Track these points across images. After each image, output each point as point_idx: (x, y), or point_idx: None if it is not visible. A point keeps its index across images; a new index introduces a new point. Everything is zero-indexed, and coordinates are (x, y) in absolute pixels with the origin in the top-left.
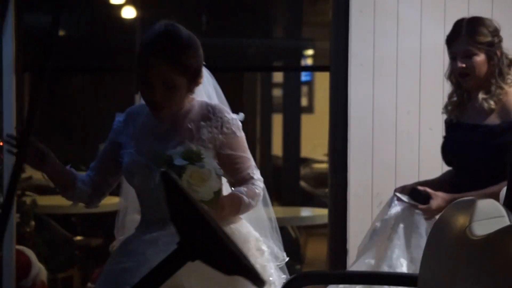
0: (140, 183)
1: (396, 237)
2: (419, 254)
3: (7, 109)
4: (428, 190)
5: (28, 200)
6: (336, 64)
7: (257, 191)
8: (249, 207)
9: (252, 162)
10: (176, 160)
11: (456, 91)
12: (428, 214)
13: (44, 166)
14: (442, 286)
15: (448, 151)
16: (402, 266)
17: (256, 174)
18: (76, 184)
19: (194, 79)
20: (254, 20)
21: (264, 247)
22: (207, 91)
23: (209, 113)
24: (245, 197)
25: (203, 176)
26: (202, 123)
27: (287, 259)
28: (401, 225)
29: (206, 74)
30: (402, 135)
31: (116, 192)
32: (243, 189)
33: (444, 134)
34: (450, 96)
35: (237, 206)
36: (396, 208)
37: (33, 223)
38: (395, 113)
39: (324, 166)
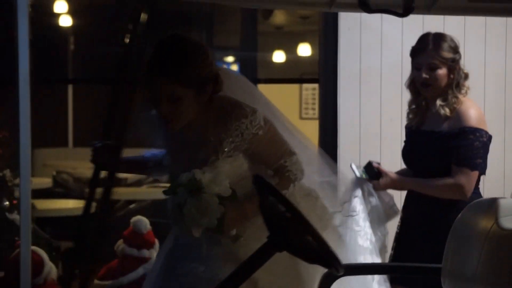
0: None
1: (360, 201)
2: (373, 217)
3: (24, 120)
4: (381, 168)
5: None
6: (326, 76)
7: (291, 177)
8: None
9: (283, 150)
10: (178, 194)
11: (415, 100)
12: (376, 188)
13: (115, 162)
14: (469, 275)
15: (408, 155)
16: (369, 229)
17: (289, 161)
18: (149, 166)
19: (203, 89)
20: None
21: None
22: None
23: (226, 123)
24: None
25: (203, 207)
26: (223, 135)
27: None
28: (359, 191)
29: (233, 77)
30: (386, 140)
31: (82, 196)
32: (274, 181)
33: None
34: (409, 104)
35: None
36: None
37: (31, 225)
38: (379, 121)
39: None
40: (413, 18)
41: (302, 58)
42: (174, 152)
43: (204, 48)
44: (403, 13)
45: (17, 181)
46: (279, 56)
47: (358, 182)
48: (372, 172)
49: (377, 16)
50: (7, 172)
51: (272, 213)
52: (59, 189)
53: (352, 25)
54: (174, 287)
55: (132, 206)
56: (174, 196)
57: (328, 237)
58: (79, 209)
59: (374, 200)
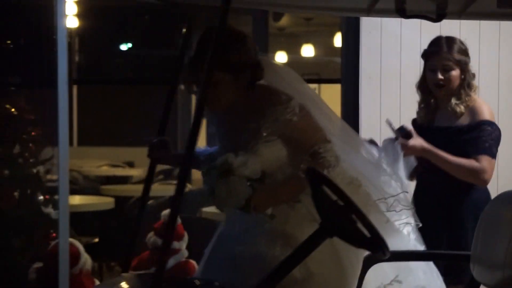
0: None
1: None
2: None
3: (62, 119)
4: (413, 131)
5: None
6: (348, 77)
7: (325, 164)
8: None
9: (317, 136)
10: (211, 176)
11: (426, 99)
12: (403, 148)
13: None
14: (499, 262)
15: None
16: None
17: (324, 148)
18: (202, 159)
19: (241, 75)
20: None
21: None
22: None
23: (263, 110)
24: None
25: (232, 189)
26: (260, 121)
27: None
28: (384, 154)
29: (277, 67)
30: None
31: (93, 193)
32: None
33: None
34: (420, 104)
35: (301, 189)
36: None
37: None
38: (399, 120)
39: None
40: (430, 22)
41: (304, 58)
42: (222, 139)
43: (243, 37)
44: (437, 19)
45: (49, 176)
46: (281, 57)
47: (388, 143)
48: (404, 133)
49: (396, 21)
50: (41, 168)
51: (324, 201)
52: (71, 186)
53: (372, 29)
54: (222, 270)
55: (150, 202)
56: (208, 177)
57: (375, 221)
58: (94, 205)
59: (398, 162)
